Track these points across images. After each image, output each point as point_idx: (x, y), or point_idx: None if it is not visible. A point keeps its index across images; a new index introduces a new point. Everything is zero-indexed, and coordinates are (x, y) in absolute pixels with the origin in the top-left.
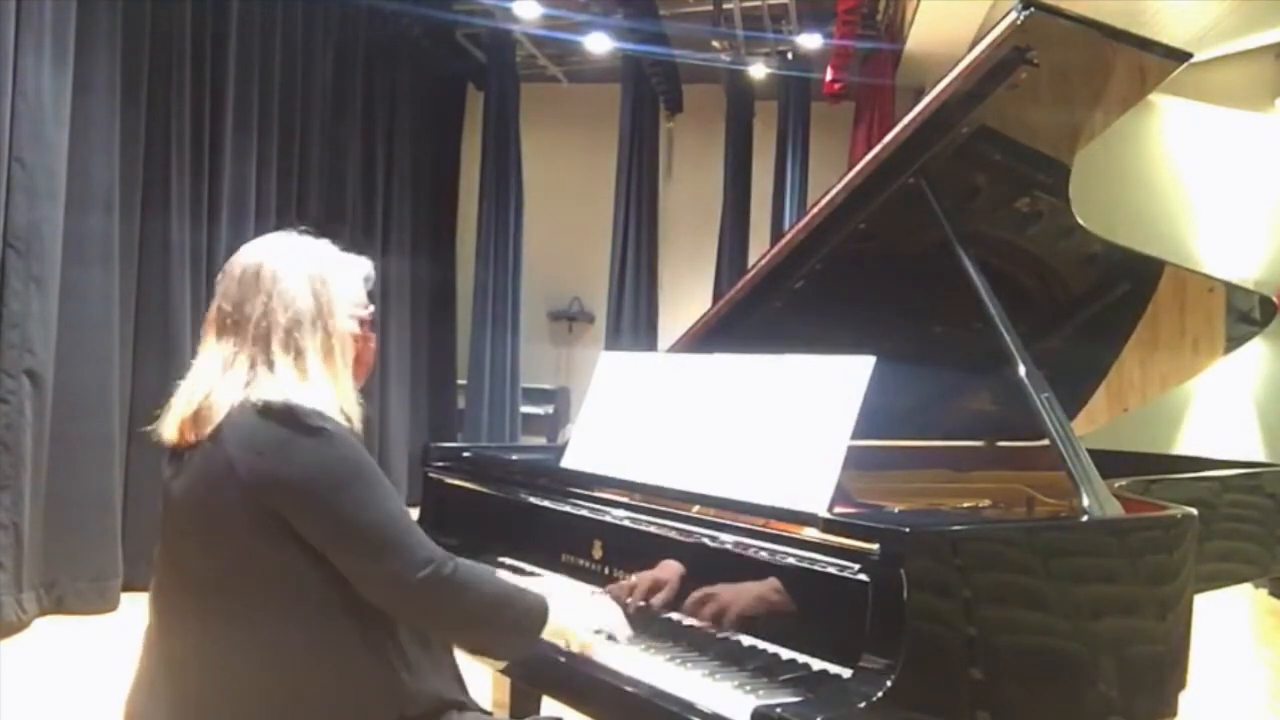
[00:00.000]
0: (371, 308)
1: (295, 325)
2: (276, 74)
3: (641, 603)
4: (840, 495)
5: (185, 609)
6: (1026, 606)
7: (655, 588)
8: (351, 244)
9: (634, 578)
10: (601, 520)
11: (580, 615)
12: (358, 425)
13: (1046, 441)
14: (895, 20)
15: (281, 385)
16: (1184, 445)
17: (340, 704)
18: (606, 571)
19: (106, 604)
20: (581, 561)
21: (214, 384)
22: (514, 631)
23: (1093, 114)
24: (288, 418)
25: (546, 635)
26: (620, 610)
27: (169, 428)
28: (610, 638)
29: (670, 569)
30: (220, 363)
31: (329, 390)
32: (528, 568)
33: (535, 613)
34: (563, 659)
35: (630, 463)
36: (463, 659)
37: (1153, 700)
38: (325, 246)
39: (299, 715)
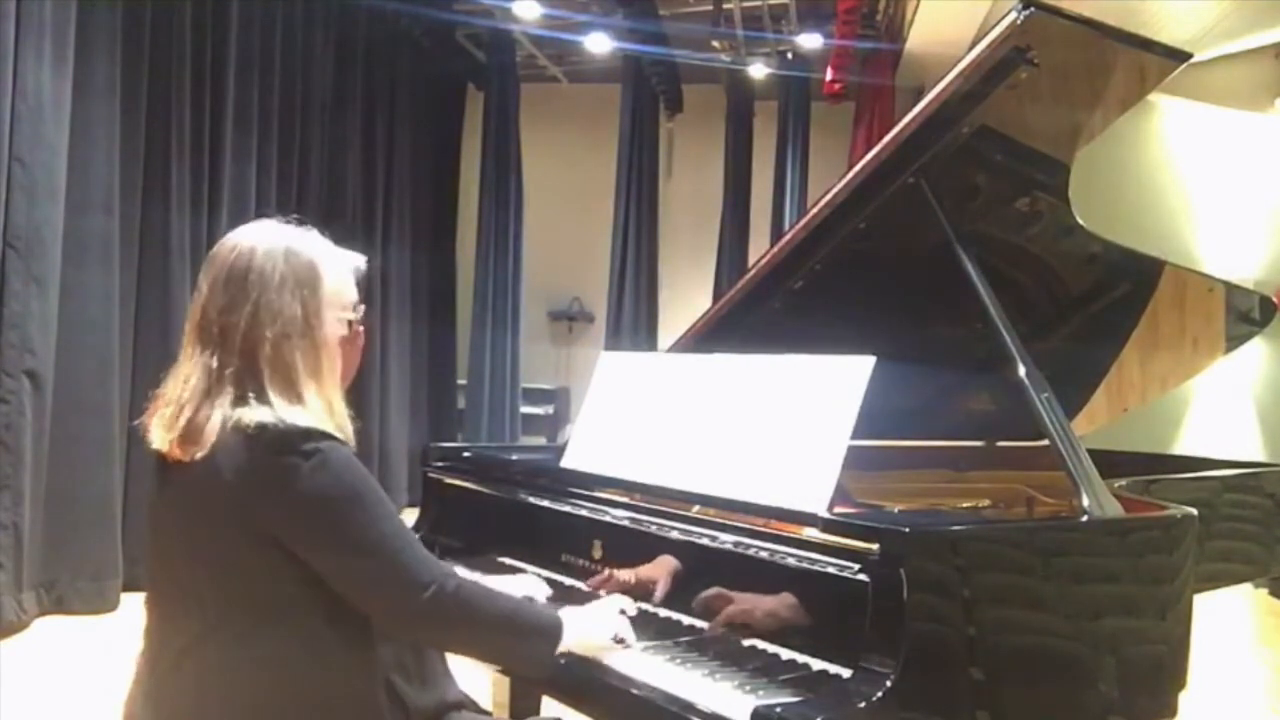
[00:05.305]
0: (362, 307)
1: (283, 339)
2: (276, 74)
3: (642, 603)
4: (840, 495)
5: (180, 617)
6: (1026, 606)
7: (655, 587)
8: (352, 245)
9: (633, 577)
10: (601, 520)
11: (594, 624)
12: (350, 437)
13: (1046, 441)
14: (895, 20)
15: (272, 404)
16: (1184, 445)
17: (337, 714)
18: (606, 572)
19: (106, 604)
20: (581, 561)
21: (200, 401)
22: (527, 644)
23: (1092, 114)
24: (282, 442)
25: (565, 648)
26: (625, 615)
27: (158, 437)
28: (620, 641)
29: (670, 568)
30: (204, 375)
31: (318, 406)
32: (527, 568)
33: (548, 625)
34: (562, 659)
35: (630, 463)
36: (464, 659)
37: (1153, 700)
38: (314, 241)
39: None
